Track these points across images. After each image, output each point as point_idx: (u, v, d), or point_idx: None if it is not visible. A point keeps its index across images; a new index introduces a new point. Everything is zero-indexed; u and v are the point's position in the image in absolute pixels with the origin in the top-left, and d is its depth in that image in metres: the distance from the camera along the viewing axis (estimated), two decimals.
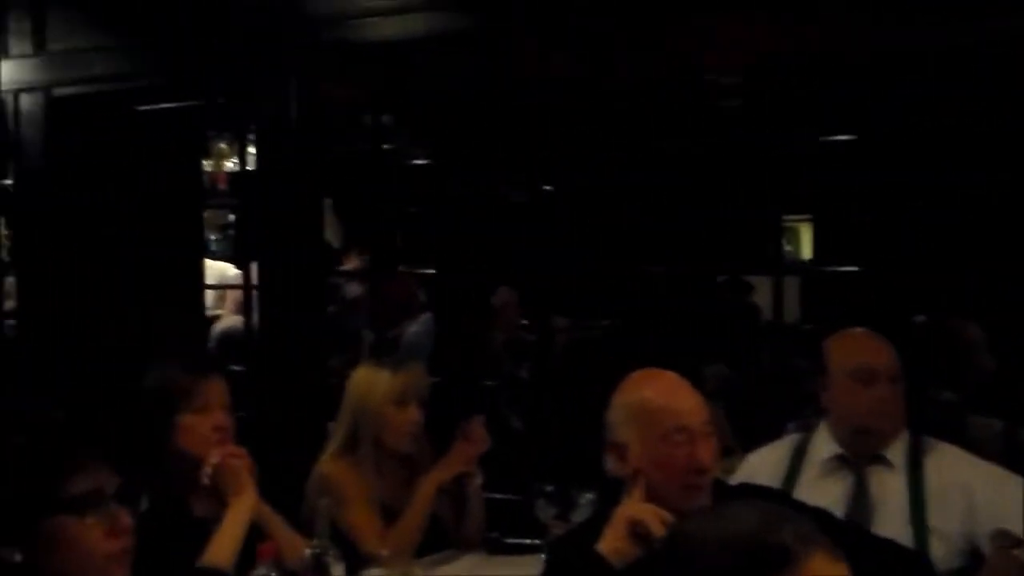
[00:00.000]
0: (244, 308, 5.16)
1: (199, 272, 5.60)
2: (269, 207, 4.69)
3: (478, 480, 3.60)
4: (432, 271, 5.20)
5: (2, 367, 5.29)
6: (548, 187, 5.52)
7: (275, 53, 4.55)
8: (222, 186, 6.83)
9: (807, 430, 3.25)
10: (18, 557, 1.89)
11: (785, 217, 4.48)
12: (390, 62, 4.55)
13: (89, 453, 1.98)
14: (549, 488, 3.35)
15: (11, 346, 5.33)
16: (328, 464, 3.57)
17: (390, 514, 3.52)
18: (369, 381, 3.58)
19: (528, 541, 3.52)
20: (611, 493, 2.70)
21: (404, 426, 3.55)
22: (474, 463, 3.60)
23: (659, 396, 2.62)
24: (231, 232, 7.55)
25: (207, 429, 3.08)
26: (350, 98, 5.19)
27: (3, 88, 5.13)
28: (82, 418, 2.05)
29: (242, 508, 3.01)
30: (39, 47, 5.04)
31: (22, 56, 5.08)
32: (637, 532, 2.48)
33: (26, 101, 5.09)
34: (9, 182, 5.38)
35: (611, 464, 2.66)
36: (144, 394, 3.10)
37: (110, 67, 4.95)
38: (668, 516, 2.46)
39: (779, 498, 2.71)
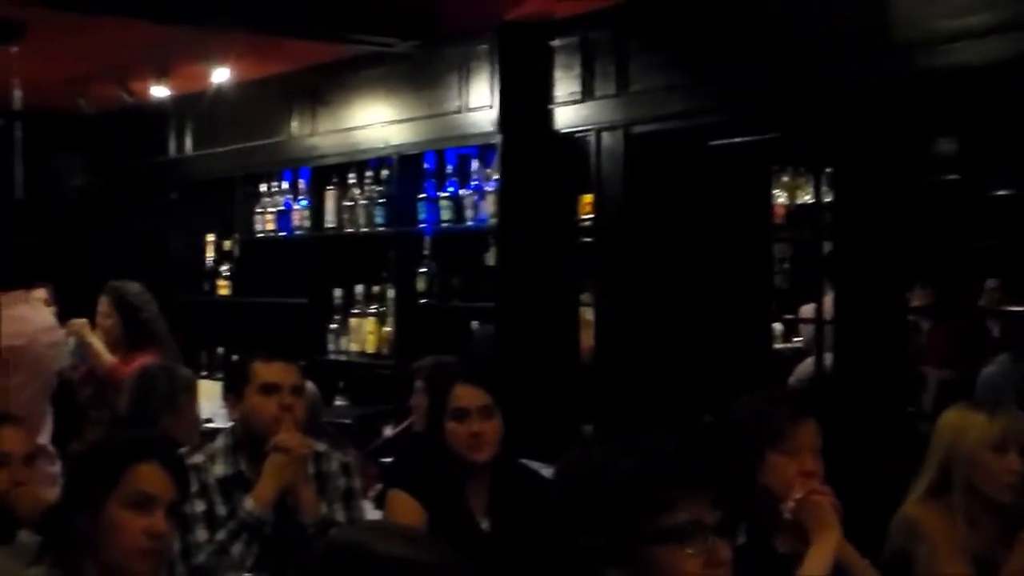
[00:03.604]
0: (815, 343, 5.08)
1: (768, 304, 5.60)
2: (845, 241, 4.59)
3: None
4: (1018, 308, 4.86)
5: (579, 391, 5.56)
6: None
7: (851, 85, 4.44)
8: (778, 220, 6.83)
9: None
10: None
11: None
12: (971, 88, 4.31)
13: (692, 484, 1.98)
14: None
15: (588, 371, 5.58)
16: (915, 507, 3.39)
17: (983, 567, 3.29)
18: (963, 424, 3.36)
19: None
20: None
21: (1003, 474, 3.30)
22: None
23: None
24: (786, 266, 7.53)
25: (794, 472, 3.02)
26: (919, 126, 4.99)
27: (588, 127, 5.43)
28: (686, 448, 2.05)
29: (826, 546, 2.93)
30: (621, 88, 5.30)
31: (605, 97, 5.37)
32: None
33: (607, 139, 5.36)
34: (588, 216, 5.66)
35: None
36: (736, 427, 3.09)
37: (685, 104, 5.09)
38: None
39: None
